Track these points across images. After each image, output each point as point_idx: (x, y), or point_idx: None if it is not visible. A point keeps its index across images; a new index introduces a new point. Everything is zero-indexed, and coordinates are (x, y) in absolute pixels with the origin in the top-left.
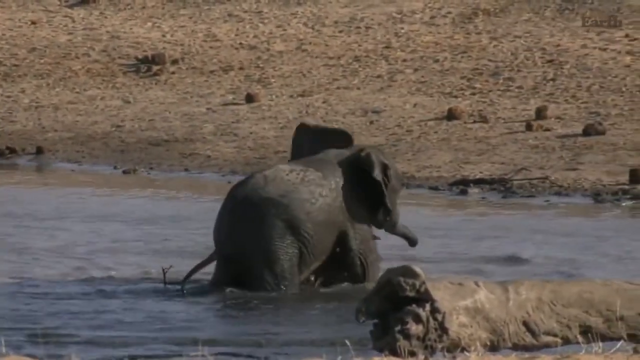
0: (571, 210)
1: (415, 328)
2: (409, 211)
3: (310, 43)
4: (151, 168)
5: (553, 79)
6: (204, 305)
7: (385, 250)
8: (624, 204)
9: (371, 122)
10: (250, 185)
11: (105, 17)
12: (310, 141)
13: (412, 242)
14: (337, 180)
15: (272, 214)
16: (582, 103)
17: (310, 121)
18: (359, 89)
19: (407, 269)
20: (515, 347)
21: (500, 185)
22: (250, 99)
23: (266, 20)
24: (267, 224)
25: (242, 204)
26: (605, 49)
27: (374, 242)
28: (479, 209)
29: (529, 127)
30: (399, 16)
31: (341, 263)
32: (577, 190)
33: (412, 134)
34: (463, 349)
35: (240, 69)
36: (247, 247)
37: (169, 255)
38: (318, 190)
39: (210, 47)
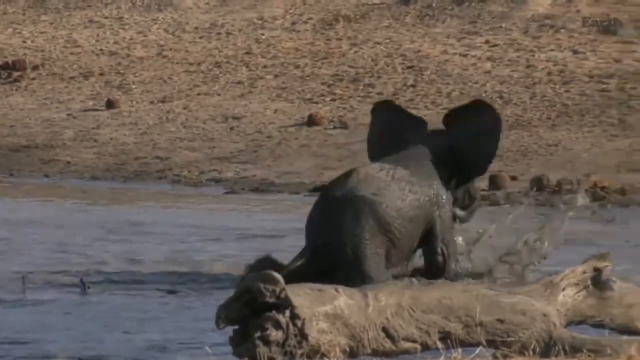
0: None
1: (275, 334)
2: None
3: (170, 49)
4: (11, 174)
5: (413, 85)
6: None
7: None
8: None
9: (231, 128)
10: (344, 184)
11: None
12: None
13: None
14: (425, 176)
15: (365, 212)
16: (442, 109)
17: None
18: (219, 95)
19: (267, 275)
20: (375, 353)
21: None
22: (110, 105)
23: (127, 26)
24: (360, 223)
25: (336, 202)
26: (465, 55)
27: (454, 233)
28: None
29: None
30: (260, 22)
31: (424, 253)
32: None
33: (273, 140)
34: (322, 355)
35: (101, 74)
36: (338, 244)
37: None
38: (408, 187)
39: (71, 53)
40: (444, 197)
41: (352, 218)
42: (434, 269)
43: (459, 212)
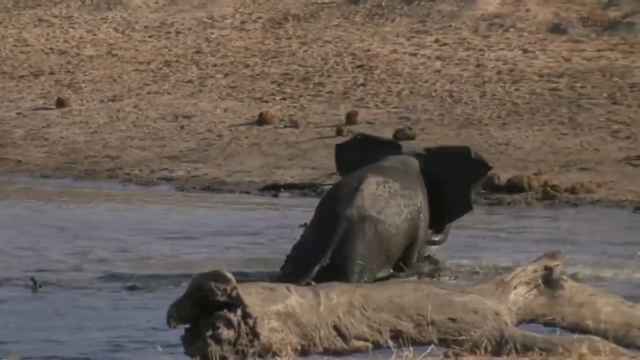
0: None
1: (226, 333)
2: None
3: (120, 48)
4: None
5: (363, 84)
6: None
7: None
8: None
9: (182, 127)
10: (350, 201)
11: None
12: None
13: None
14: (412, 187)
15: (372, 232)
16: (392, 108)
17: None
18: (169, 93)
19: (218, 274)
20: (327, 352)
21: (311, 190)
22: (60, 103)
23: (76, 25)
24: (366, 242)
25: (341, 220)
26: (415, 54)
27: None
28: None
29: (339, 132)
30: (210, 21)
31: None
32: None
33: (223, 139)
34: (274, 354)
35: (51, 73)
36: (343, 259)
37: None
38: (403, 202)
39: (21, 52)
40: (424, 203)
41: (362, 237)
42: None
43: (436, 238)
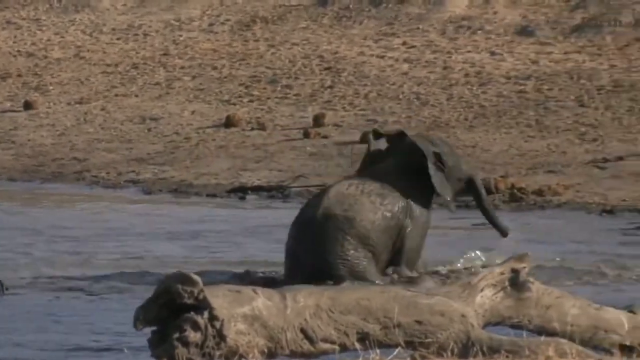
0: None
1: (193, 335)
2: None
3: (88, 50)
4: None
5: (331, 87)
6: None
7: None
8: None
9: (149, 130)
10: (318, 204)
11: None
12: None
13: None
14: (394, 186)
15: (342, 231)
16: (359, 110)
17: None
18: (137, 96)
19: (185, 276)
20: (293, 355)
21: (278, 193)
22: (28, 106)
23: (44, 28)
24: (340, 241)
25: (313, 224)
26: (383, 57)
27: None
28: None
29: (306, 135)
30: (177, 24)
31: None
32: None
33: (190, 141)
34: (241, 356)
35: (18, 76)
36: (327, 265)
37: None
38: (378, 200)
39: None
40: (417, 205)
41: (332, 239)
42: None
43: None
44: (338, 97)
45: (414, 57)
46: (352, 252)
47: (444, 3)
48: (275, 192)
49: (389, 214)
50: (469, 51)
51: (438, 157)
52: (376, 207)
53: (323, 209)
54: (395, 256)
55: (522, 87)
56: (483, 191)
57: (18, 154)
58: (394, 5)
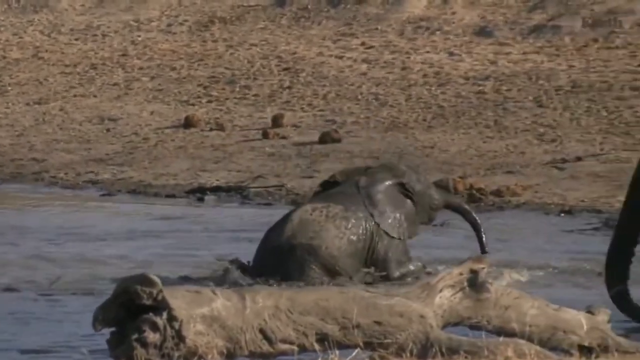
0: None
1: (152, 336)
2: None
3: (46, 51)
4: None
5: (289, 87)
6: None
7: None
8: None
9: (108, 130)
10: (282, 231)
11: None
12: None
13: None
14: (359, 207)
15: (307, 260)
16: (318, 111)
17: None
18: (95, 96)
19: (144, 277)
20: (252, 355)
21: (237, 193)
22: None
23: (2, 28)
24: (305, 271)
25: (278, 252)
26: (341, 57)
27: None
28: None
29: (265, 135)
30: (136, 24)
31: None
32: None
33: (149, 142)
34: (200, 357)
35: None
36: None
37: None
38: (344, 224)
39: None
40: (387, 223)
41: (296, 267)
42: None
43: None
44: (297, 98)
45: (373, 58)
46: (317, 280)
47: (403, 3)
48: (234, 192)
49: (354, 237)
50: (427, 52)
51: (402, 187)
52: (341, 231)
53: (287, 237)
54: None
55: (481, 87)
56: (472, 214)
57: None
58: (352, 5)
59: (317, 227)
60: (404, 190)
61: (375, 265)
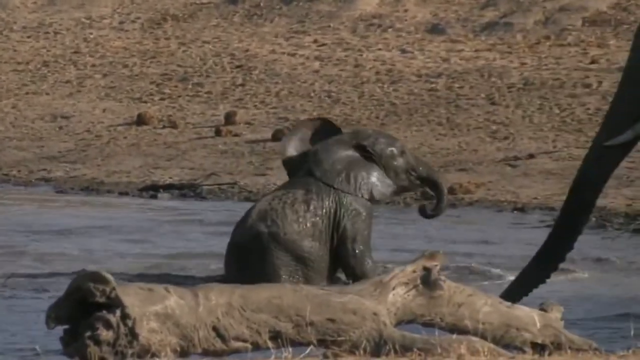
0: None
1: (105, 334)
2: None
3: None
4: None
5: (242, 85)
6: None
7: None
8: None
9: (60, 128)
10: (244, 225)
11: None
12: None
13: None
14: (321, 190)
15: (268, 248)
16: (271, 108)
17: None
18: (47, 94)
19: (97, 274)
20: (206, 353)
21: (190, 191)
22: None
23: None
24: (267, 259)
25: (241, 245)
26: (294, 55)
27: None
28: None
29: (218, 133)
30: (88, 21)
31: (339, 258)
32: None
33: (102, 139)
34: (153, 355)
35: None
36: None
37: None
38: (303, 207)
39: None
40: (351, 205)
41: (260, 258)
42: (349, 271)
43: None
44: (249, 95)
45: (325, 55)
46: (283, 268)
47: (355, 1)
48: (187, 190)
49: (316, 219)
50: (379, 49)
51: (363, 149)
52: (300, 215)
53: (247, 230)
54: (344, 254)
55: (433, 85)
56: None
57: None
58: (305, 3)
59: (274, 215)
60: (364, 152)
61: (343, 242)
